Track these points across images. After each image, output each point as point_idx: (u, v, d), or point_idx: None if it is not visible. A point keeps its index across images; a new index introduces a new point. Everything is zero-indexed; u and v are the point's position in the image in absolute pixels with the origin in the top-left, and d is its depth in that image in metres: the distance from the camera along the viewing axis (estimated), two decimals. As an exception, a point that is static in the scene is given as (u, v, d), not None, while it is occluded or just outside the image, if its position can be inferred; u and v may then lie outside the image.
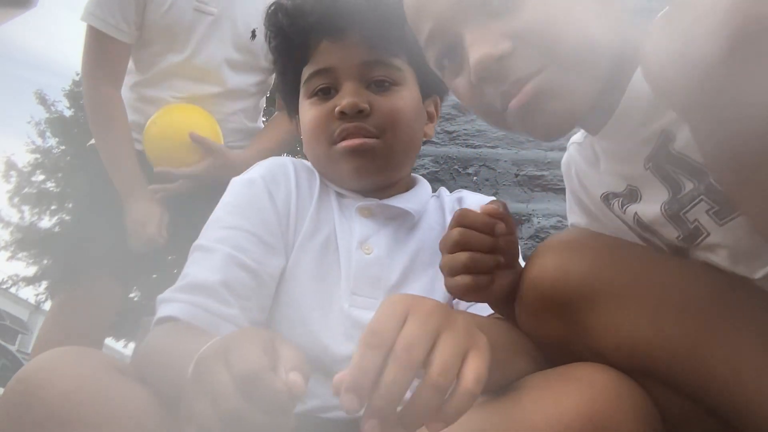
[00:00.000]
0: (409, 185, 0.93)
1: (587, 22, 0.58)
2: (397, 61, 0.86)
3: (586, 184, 0.75)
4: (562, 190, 1.61)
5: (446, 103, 1.77)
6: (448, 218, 0.89)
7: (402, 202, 0.87)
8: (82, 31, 1.43)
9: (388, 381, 0.42)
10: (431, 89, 0.93)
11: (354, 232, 0.84)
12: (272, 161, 0.90)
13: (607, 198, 0.71)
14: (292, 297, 0.79)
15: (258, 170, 0.87)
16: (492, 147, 1.70)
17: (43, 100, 12.48)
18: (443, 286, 0.73)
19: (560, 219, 1.57)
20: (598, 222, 0.75)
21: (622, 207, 0.68)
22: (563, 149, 0.81)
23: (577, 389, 0.52)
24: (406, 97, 0.86)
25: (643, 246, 0.66)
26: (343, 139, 0.83)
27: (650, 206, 0.63)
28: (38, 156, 12.57)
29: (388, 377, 0.42)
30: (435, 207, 0.93)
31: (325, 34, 0.85)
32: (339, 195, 0.89)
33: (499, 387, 0.58)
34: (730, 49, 0.38)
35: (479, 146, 1.70)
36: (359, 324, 0.77)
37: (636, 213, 0.66)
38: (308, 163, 0.92)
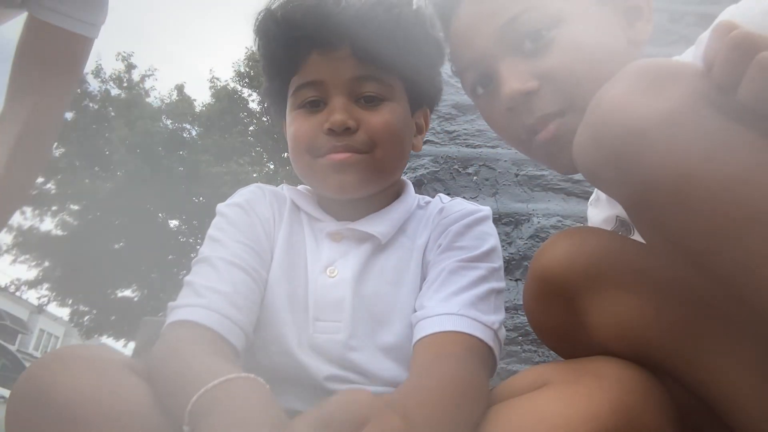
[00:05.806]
0: (390, 198, 0.92)
1: (608, 70, 0.60)
2: (387, 77, 0.85)
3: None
4: (562, 190, 1.63)
5: (446, 103, 1.78)
6: (422, 233, 0.89)
7: (372, 224, 0.86)
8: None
9: None
10: (421, 101, 0.93)
11: (322, 257, 0.85)
12: (249, 188, 0.93)
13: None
14: (270, 311, 0.81)
15: (241, 195, 0.91)
16: (492, 147, 1.70)
17: (43, 100, 12.45)
18: (405, 304, 0.80)
19: (560, 219, 1.58)
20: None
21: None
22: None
23: (608, 385, 0.54)
24: (394, 112, 0.85)
25: None
26: (330, 152, 0.83)
27: None
28: (38, 156, 12.55)
29: None
30: (415, 221, 0.91)
31: (316, 47, 0.83)
32: (312, 218, 0.90)
33: None
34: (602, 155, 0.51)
35: (479, 146, 1.71)
36: (322, 350, 0.78)
37: None
38: (277, 189, 0.95)
